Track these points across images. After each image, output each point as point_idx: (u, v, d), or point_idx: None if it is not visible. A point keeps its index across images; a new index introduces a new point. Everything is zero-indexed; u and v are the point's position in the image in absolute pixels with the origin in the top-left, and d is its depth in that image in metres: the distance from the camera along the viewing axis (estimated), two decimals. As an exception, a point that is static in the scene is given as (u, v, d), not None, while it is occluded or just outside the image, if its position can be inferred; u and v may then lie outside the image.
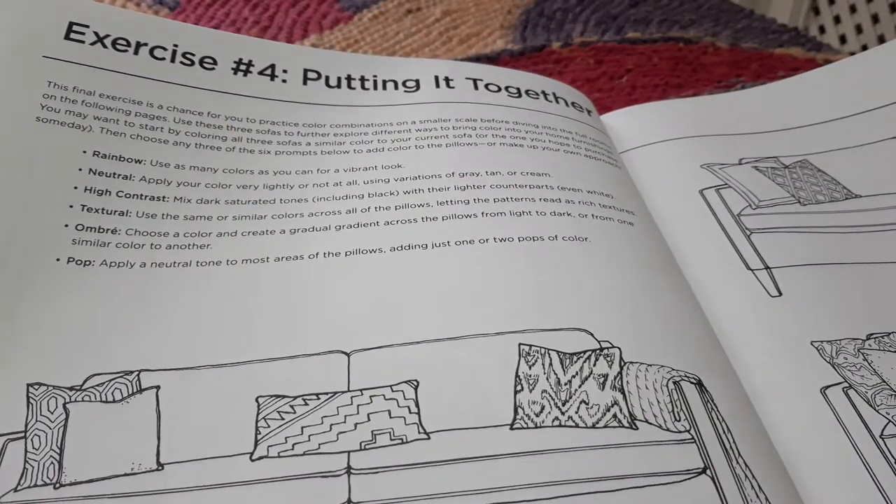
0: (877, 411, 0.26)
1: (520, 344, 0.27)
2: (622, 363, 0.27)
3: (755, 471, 0.24)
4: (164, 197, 0.30)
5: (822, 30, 1.04)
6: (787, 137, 0.39)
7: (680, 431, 0.25)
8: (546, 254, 0.31)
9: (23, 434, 0.24)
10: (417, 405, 0.25)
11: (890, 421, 0.25)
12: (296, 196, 0.34)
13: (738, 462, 0.24)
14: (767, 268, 0.32)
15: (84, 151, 0.30)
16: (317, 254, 0.31)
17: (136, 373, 0.26)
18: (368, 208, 0.33)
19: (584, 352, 0.27)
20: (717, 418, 0.25)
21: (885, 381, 0.26)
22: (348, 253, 0.31)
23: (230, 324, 0.28)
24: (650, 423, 0.25)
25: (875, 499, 0.24)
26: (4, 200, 0.28)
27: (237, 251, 0.30)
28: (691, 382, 0.26)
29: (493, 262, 0.30)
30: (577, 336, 0.27)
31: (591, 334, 0.28)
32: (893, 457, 0.24)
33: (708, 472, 0.23)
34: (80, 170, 0.29)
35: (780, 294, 0.31)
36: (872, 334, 0.28)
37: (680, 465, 0.24)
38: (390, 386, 0.26)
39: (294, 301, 0.29)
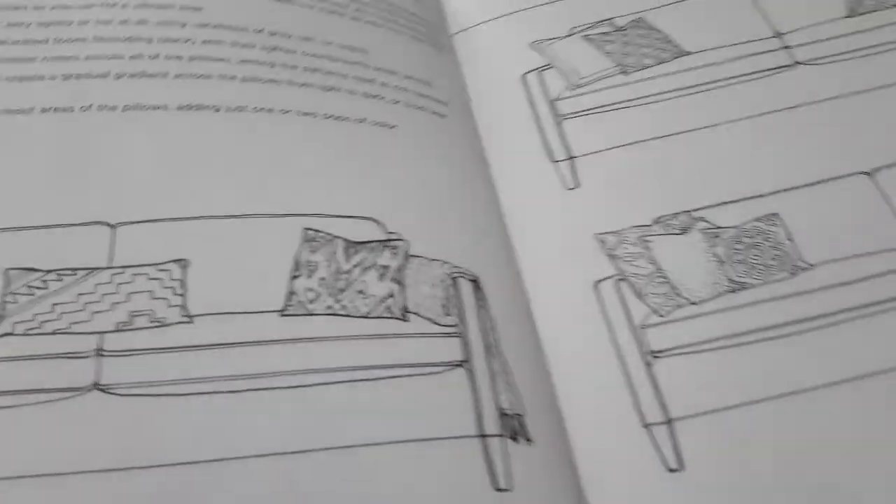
0: (643, 301, 0.28)
1: (304, 228, 0.26)
2: (407, 256, 0.27)
3: (515, 367, 0.26)
4: None
5: None
6: None
7: (447, 326, 0.26)
8: (350, 136, 0.29)
9: None
10: (184, 286, 0.24)
11: (653, 310, 0.28)
12: (74, 35, 0.29)
13: (496, 358, 0.25)
14: (570, 158, 0.32)
15: None
16: (90, 106, 0.27)
17: None
18: (158, 55, 0.29)
19: (371, 241, 0.27)
20: (486, 316, 0.26)
21: (659, 269, 0.28)
22: (126, 107, 0.28)
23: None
24: (421, 316, 0.26)
25: (619, 390, 0.26)
26: None
27: (-4, 97, 0.26)
28: (469, 280, 0.27)
29: (291, 136, 0.29)
30: (368, 225, 0.27)
31: (383, 225, 0.27)
32: (646, 345, 0.27)
33: (465, 365, 0.25)
34: None
35: (578, 186, 0.31)
36: (661, 217, 0.30)
37: (442, 357, 0.25)
38: (156, 264, 0.24)
39: (60, 161, 0.26)
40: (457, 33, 0.38)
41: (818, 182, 0.30)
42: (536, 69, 0.35)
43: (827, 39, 0.33)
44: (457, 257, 0.27)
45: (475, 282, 0.27)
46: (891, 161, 0.30)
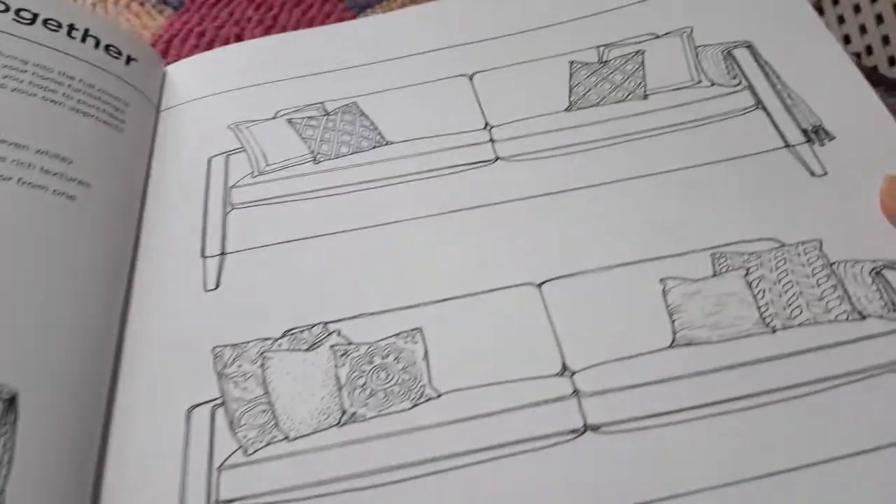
0: (235, 434, 0.22)
1: None
2: (-86, 366, 0.21)
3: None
4: None
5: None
6: (338, 79, 0.34)
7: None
8: None
9: None
10: None
11: (241, 446, 0.22)
12: None
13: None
14: (222, 254, 0.27)
15: None
16: None
17: None
18: None
19: None
20: (4, 445, 0.20)
21: (266, 394, 0.23)
22: None
23: None
24: None
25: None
26: None
27: None
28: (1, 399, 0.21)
29: None
30: None
31: None
32: (216, 494, 0.21)
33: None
34: None
35: (218, 286, 0.26)
36: (290, 330, 0.25)
37: None
38: None
39: None
40: (165, 109, 0.34)
41: (480, 293, 0.25)
42: (225, 153, 0.31)
43: (532, 135, 0.30)
44: None
45: (11, 401, 0.21)
46: (559, 273, 0.25)
